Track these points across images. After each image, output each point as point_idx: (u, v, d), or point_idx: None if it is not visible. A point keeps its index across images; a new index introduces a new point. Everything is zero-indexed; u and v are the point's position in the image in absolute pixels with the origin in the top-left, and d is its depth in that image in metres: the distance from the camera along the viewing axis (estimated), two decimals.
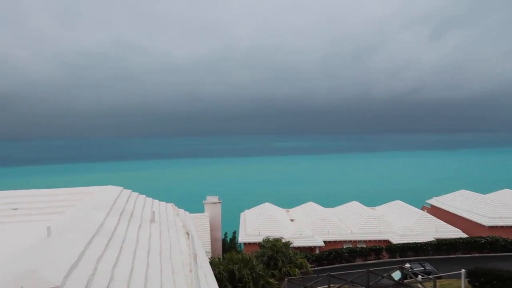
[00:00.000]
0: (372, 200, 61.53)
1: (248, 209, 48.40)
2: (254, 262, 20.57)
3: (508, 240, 35.65)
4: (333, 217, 43.84)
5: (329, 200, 64.51)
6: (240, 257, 20.72)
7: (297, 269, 22.72)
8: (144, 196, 13.62)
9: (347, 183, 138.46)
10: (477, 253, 35.23)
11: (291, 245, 25.84)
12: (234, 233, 45.36)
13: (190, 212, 19.33)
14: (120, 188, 12.63)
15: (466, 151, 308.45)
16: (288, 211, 48.93)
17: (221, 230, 37.35)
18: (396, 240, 37.40)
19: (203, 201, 36.87)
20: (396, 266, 25.17)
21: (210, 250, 30.33)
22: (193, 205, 40.35)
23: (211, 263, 21.02)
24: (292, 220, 44.10)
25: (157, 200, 14.18)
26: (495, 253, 34.93)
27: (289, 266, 22.52)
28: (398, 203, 48.97)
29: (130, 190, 13.05)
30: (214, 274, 17.55)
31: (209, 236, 32.80)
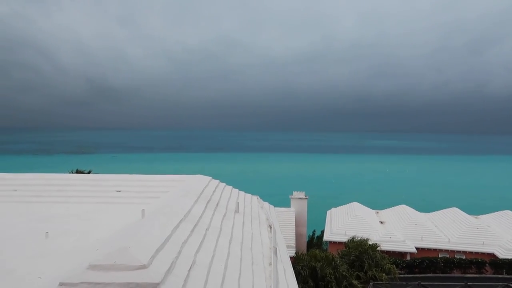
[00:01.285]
0: (476, 208, 55.85)
1: (336, 207, 47.42)
2: (338, 262, 20.08)
3: None
4: (428, 222, 40.76)
5: (424, 205, 60.19)
6: (324, 255, 20.39)
7: (384, 274, 21.61)
8: (231, 187, 14.14)
9: (447, 187, 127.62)
10: None
11: (378, 248, 24.67)
12: (322, 231, 44.87)
13: (276, 207, 19.64)
14: (209, 178, 13.29)
15: None
16: (378, 212, 46.79)
17: (306, 226, 37.14)
18: (503, 254, 33.41)
19: (290, 196, 37.01)
20: (501, 284, 22.54)
21: (294, 245, 30.40)
22: (281, 200, 40.91)
23: (294, 258, 21.08)
24: (381, 222, 42.07)
25: (243, 192, 14.61)
26: None
27: (376, 270, 21.50)
28: (508, 213, 43.61)
29: (218, 180, 13.64)
30: (296, 269, 17.58)
31: (294, 231, 32.84)
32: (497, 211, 45.41)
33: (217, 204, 10.77)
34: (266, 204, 15.87)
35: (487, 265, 32.34)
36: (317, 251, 20.92)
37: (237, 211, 11.41)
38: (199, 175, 13.43)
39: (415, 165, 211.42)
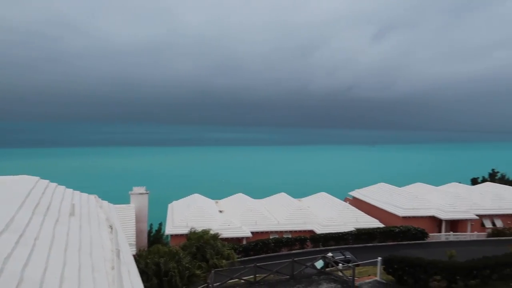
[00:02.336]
0: (300, 192, 63.83)
1: (177, 200, 47.63)
2: (181, 255, 20.30)
3: (418, 229, 39.19)
4: (261, 208, 44.77)
5: (259, 192, 65.71)
6: (167, 249, 20.32)
7: (224, 261, 22.84)
8: (64, 187, 12.70)
9: (277, 175, 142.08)
10: (392, 242, 38.28)
11: (219, 237, 25.91)
12: (160, 224, 44.42)
13: (116, 204, 18.50)
14: (36, 178, 11.63)
15: (387, 146, 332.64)
16: (217, 202, 49.00)
17: (147, 222, 36.29)
18: (319, 230, 39.24)
19: (129, 192, 35.46)
20: (319, 255, 26.47)
21: (134, 243, 29.30)
22: (121, 197, 38.78)
23: (137, 256, 20.36)
24: (221, 211, 44.25)
25: (78, 192, 13.30)
26: (407, 241, 38.23)
27: (217, 258, 22.55)
28: (323, 194, 51.39)
29: (48, 181, 12.07)
30: (140, 268, 17.02)
31: (134, 228, 31.66)
32: (316, 193, 53.08)
33: (47, 208, 9.53)
34: (105, 203, 14.84)
35: (308, 240, 37.49)
36: (160, 246, 20.68)
37: (72, 214, 10.33)
38: (23, 175, 11.64)
39: (249, 156, 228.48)
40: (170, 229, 38.07)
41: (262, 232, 39.51)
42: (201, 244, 23.37)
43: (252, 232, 38.49)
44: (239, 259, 26.98)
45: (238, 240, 37.74)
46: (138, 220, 33.19)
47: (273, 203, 48.02)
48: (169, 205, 46.02)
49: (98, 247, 8.89)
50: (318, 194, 52.24)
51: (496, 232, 42.36)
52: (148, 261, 18.92)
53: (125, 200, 35.53)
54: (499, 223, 45.53)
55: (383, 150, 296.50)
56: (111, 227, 11.04)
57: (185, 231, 29.12)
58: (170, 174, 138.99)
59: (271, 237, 38.30)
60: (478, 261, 22.44)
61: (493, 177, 75.07)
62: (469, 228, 43.14)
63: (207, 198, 48.06)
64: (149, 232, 41.89)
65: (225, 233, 35.20)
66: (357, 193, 55.29)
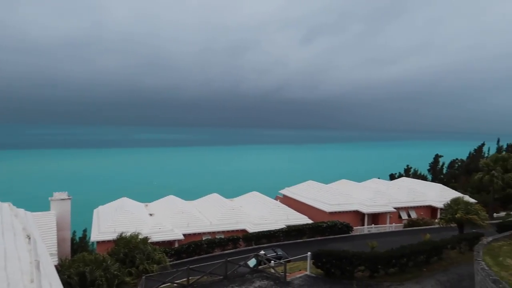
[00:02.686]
0: (232, 192, 64.15)
1: (103, 204, 45.24)
2: (109, 262, 19.33)
3: (344, 223, 41.38)
4: (193, 210, 44.22)
5: (191, 193, 64.91)
6: (93, 257, 19.23)
7: (155, 265, 22.18)
8: None
9: (209, 175, 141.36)
10: (320, 237, 39.97)
11: (149, 241, 25.11)
12: (85, 231, 41.92)
13: (35, 212, 17.07)
14: None
15: (314, 145, 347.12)
16: (147, 205, 47.44)
17: (70, 230, 33.99)
18: (252, 229, 39.76)
19: (50, 198, 32.92)
20: (252, 254, 26.83)
21: (56, 252, 27.25)
22: (41, 204, 35.95)
23: (59, 266, 18.98)
24: (151, 215, 42.91)
25: None
26: (334, 235, 40.15)
27: (147, 263, 21.81)
28: (255, 194, 52.16)
29: None
30: (63, 279, 15.89)
31: (56, 236, 29.44)
32: (247, 193, 53.72)
33: None
34: (21, 211, 13.64)
35: (241, 240, 37.79)
36: (85, 254, 19.50)
37: None
38: None
39: (180, 157, 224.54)
40: (95, 235, 36.02)
41: (194, 234, 39.02)
42: (130, 249, 22.47)
43: (184, 235, 37.84)
44: (171, 263, 26.38)
45: (170, 243, 36.89)
46: (60, 228, 30.95)
47: (205, 204, 47.68)
48: (95, 211, 43.56)
49: (14, 260, 8.15)
50: (250, 193, 52.92)
51: (411, 223, 46.21)
52: (72, 270, 17.74)
53: (46, 207, 32.98)
54: (413, 215, 49.82)
55: (310, 149, 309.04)
56: (28, 237, 10.18)
57: (112, 237, 27.79)
58: (96, 177, 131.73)
59: (204, 238, 37.96)
60: (396, 250, 24.34)
61: (407, 172, 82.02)
62: (388, 220, 46.61)
63: (136, 202, 46.32)
64: (72, 240, 39.34)
65: (156, 237, 34.22)
66: (287, 191, 56.98)
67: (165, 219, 40.52)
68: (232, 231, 40.22)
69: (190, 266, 22.63)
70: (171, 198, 48.39)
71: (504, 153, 65.34)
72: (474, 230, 30.89)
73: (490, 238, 23.05)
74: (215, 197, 49.31)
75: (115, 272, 18.57)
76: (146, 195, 60.20)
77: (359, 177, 66.67)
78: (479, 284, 17.20)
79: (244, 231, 40.25)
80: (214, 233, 39.80)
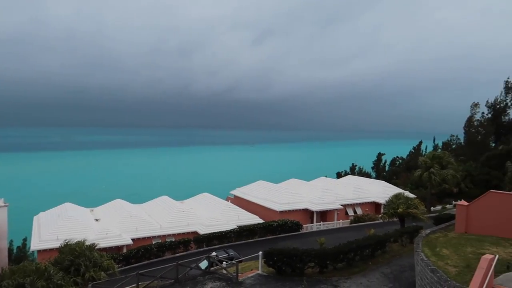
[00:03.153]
0: (183, 194, 63.29)
1: (44, 211, 42.70)
2: (52, 271, 18.31)
3: (294, 221, 42.29)
4: (142, 213, 43.11)
5: (140, 197, 63.20)
6: (34, 267, 18.13)
7: (102, 272, 21.33)
8: None
9: (159, 178, 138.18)
10: (271, 235, 40.54)
11: (96, 247, 24.09)
12: (24, 240, 39.38)
13: None
14: None
15: (265, 146, 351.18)
16: (92, 210, 45.48)
17: (7, 239, 31.77)
18: (203, 230, 39.46)
19: None
20: (203, 256, 26.64)
21: None
22: None
23: None
24: (97, 220, 41.21)
25: None
26: (284, 234, 40.89)
27: (94, 270, 20.91)
28: (206, 195, 51.86)
29: None
30: None
31: None
32: (198, 194, 53.27)
33: None
34: None
35: (192, 242, 37.37)
36: (26, 263, 18.34)
37: None
38: None
39: (134, 158, 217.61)
40: (36, 244, 33.91)
41: (144, 238, 38.06)
42: (76, 256, 21.44)
43: (133, 239, 36.77)
44: (119, 269, 25.51)
45: (118, 248, 35.66)
46: None
47: (155, 207, 46.63)
48: (35, 218, 41.02)
49: None
50: (201, 195, 52.54)
51: (357, 218, 48.28)
52: (10, 282, 16.60)
53: None
54: (359, 211, 52.07)
55: (262, 149, 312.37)
56: None
57: (55, 245, 26.38)
58: (35, 183, 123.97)
59: (154, 242, 37.09)
60: (343, 246, 25.28)
61: (353, 170, 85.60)
62: (336, 217, 48.34)
63: (80, 207, 44.23)
64: (10, 250, 36.77)
65: (103, 243, 32.95)
66: (238, 192, 57.22)
67: (113, 224, 39.11)
68: (183, 233, 39.71)
69: (140, 271, 22.03)
70: (119, 202, 46.78)
71: (439, 151, 70.17)
72: (414, 224, 32.87)
73: (428, 231, 24.55)
74: (165, 200, 48.36)
75: (59, 282, 17.66)
76: (91, 200, 57.79)
77: (308, 176, 68.50)
78: (419, 274, 18.33)
79: (195, 233, 39.86)
80: (164, 236, 39.04)
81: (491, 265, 13.07)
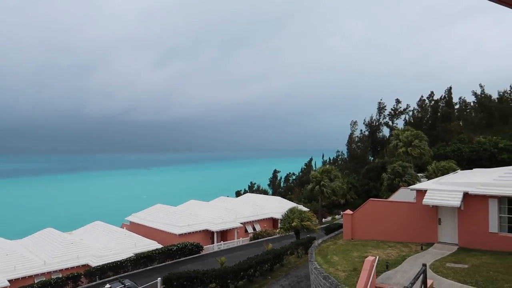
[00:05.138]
0: (72, 224, 57.93)
1: None
2: None
3: (194, 243, 41.53)
4: (21, 249, 38.15)
5: (20, 231, 56.01)
6: None
7: None
8: None
9: (40, 209, 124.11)
10: (171, 260, 39.12)
11: None
12: None
13: None
14: None
15: (163, 168, 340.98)
16: None
17: None
18: (95, 262, 36.38)
19: None
20: None
21: None
22: None
23: None
24: None
25: None
26: (185, 257, 39.83)
27: None
28: (98, 223, 48.16)
29: None
30: None
31: None
32: (89, 223, 49.20)
33: None
34: None
35: (82, 276, 34.12)
36: None
37: None
38: None
39: (15, 188, 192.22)
40: None
41: (24, 278, 33.55)
42: None
43: (9, 280, 32.17)
44: None
45: None
46: None
47: (37, 241, 41.64)
48: None
49: None
50: (92, 223, 48.65)
51: (256, 235, 49.41)
52: None
53: None
54: (258, 227, 53.44)
55: (159, 172, 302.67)
56: None
57: None
58: None
59: (36, 281, 32.94)
60: (243, 263, 25.68)
61: (251, 188, 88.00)
62: (236, 235, 48.83)
63: None
64: None
65: None
66: (134, 217, 54.37)
67: None
68: (72, 267, 36.07)
69: None
70: None
71: (328, 166, 76.35)
72: (308, 235, 34.94)
73: (320, 240, 26.31)
74: (49, 232, 43.51)
75: None
76: None
77: (208, 197, 68.32)
78: (314, 283, 19.44)
79: (86, 266, 36.52)
80: (49, 273, 34.97)
81: (373, 266, 14.54)
